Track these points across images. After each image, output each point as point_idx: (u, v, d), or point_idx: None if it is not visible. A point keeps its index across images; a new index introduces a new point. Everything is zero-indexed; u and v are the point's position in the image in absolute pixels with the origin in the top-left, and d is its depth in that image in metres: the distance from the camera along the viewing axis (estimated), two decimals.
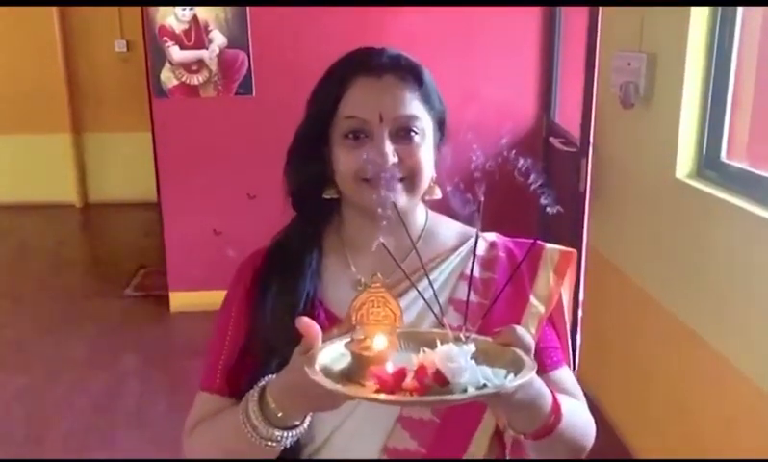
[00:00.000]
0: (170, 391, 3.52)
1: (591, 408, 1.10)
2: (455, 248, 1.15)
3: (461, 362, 0.79)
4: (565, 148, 3.57)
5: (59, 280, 5.16)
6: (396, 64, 1.08)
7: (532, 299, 1.11)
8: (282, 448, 0.94)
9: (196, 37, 4.11)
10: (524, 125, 4.19)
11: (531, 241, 1.08)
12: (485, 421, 1.06)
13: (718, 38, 2.42)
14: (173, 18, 4.07)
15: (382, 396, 0.79)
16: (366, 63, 1.08)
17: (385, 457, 1.05)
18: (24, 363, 3.89)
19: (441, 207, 1.15)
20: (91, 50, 6.89)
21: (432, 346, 0.83)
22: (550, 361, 1.09)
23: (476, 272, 1.10)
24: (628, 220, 3.01)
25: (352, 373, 0.85)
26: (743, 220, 2.17)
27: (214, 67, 4.15)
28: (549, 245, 1.15)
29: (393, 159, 1.04)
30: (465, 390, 0.78)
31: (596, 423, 1.08)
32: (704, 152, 2.52)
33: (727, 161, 2.46)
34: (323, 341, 0.87)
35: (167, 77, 4.16)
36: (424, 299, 0.94)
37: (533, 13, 4.22)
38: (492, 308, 0.95)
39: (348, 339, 0.87)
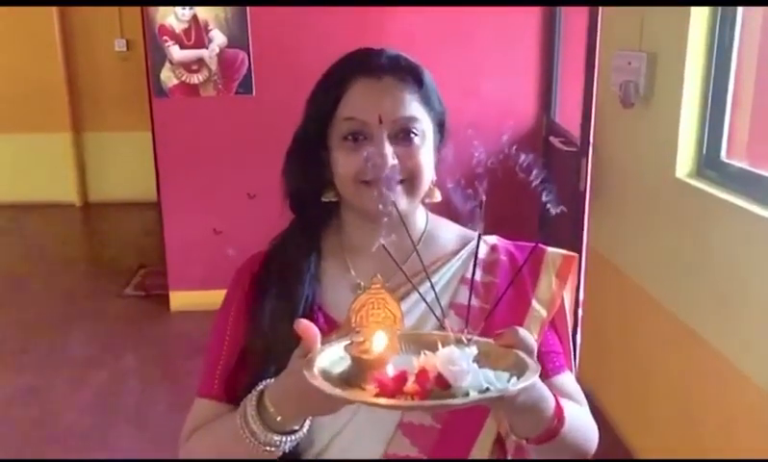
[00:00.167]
0: (170, 390, 3.52)
1: (591, 408, 1.09)
2: (456, 252, 1.13)
3: (463, 365, 0.77)
4: (565, 148, 3.57)
5: (59, 279, 5.16)
6: (395, 65, 1.06)
7: (534, 304, 1.10)
8: (281, 453, 0.92)
9: (196, 36, 4.10)
10: (524, 125, 4.19)
11: (533, 244, 1.07)
12: (487, 427, 1.05)
13: (718, 37, 2.42)
14: (173, 18, 4.07)
15: (382, 400, 0.78)
16: (365, 63, 1.07)
17: None
18: (24, 362, 3.89)
19: (440, 209, 1.14)
20: (91, 49, 6.89)
21: (433, 348, 0.81)
22: (552, 366, 1.08)
23: (478, 276, 1.08)
24: (628, 220, 3.01)
25: (352, 377, 0.83)
26: (743, 220, 2.17)
27: (214, 67, 4.15)
28: (550, 249, 1.14)
29: (392, 161, 1.02)
30: (467, 394, 0.77)
31: (596, 422, 1.06)
32: (704, 151, 2.52)
33: (727, 160, 2.46)
34: (322, 345, 0.86)
35: (167, 76, 4.16)
36: (426, 302, 0.92)
37: (533, 13, 4.22)
38: (493, 312, 0.93)
39: (348, 341, 0.85)
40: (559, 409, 0.90)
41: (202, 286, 4.26)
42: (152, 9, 4.07)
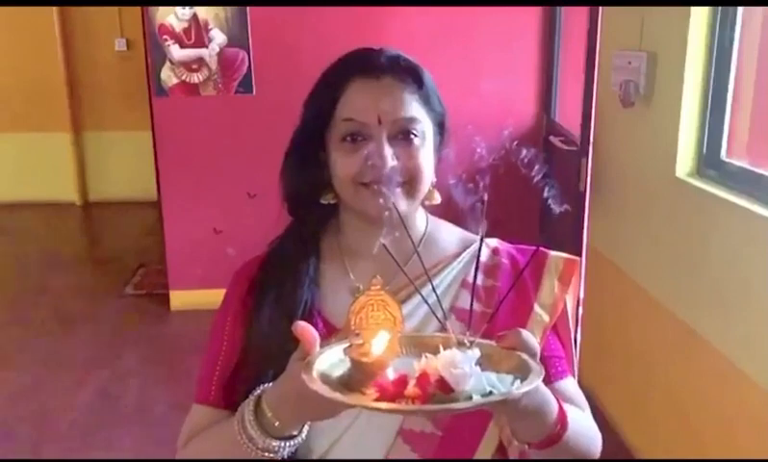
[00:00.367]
0: (170, 389, 3.52)
1: (590, 407, 1.08)
2: (456, 255, 1.12)
3: (465, 368, 0.76)
4: (565, 147, 3.57)
5: (59, 279, 5.16)
6: (394, 65, 1.05)
7: (536, 308, 1.08)
8: (280, 459, 0.91)
9: (196, 35, 4.10)
10: (525, 124, 4.19)
11: (534, 247, 1.05)
12: (489, 433, 1.02)
13: (718, 36, 2.42)
14: (173, 17, 4.07)
15: (382, 404, 0.76)
16: (363, 63, 1.05)
17: None
18: (25, 361, 3.89)
19: (440, 210, 1.13)
20: (92, 49, 6.89)
21: (435, 351, 0.79)
22: (555, 371, 1.06)
23: (479, 280, 1.06)
24: (629, 219, 3.01)
25: (351, 380, 0.81)
26: (743, 219, 2.17)
27: (214, 66, 4.15)
28: (553, 253, 1.12)
29: (392, 162, 1.01)
30: (470, 397, 0.75)
31: (595, 421, 1.05)
32: (705, 151, 2.51)
33: (727, 159, 2.45)
34: (321, 347, 0.84)
35: (168, 76, 4.16)
36: (428, 304, 0.90)
37: (533, 12, 4.22)
38: (495, 316, 0.91)
39: (347, 344, 0.83)
40: (562, 414, 0.88)
41: (202, 285, 4.26)
42: (152, 8, 4.07)
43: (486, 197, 0.83)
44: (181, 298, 4.47)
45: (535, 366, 0.80)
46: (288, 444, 0.90)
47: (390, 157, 1.01)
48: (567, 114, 4.02)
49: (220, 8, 4.08)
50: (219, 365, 1.08)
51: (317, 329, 0.85)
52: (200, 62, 4.14)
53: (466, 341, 0.83)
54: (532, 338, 0.84)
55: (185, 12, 4.07)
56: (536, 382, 0.78)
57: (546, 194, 0.82)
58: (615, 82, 2.85)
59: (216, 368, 1.08)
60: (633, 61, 2.73)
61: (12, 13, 6.48)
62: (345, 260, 1.11)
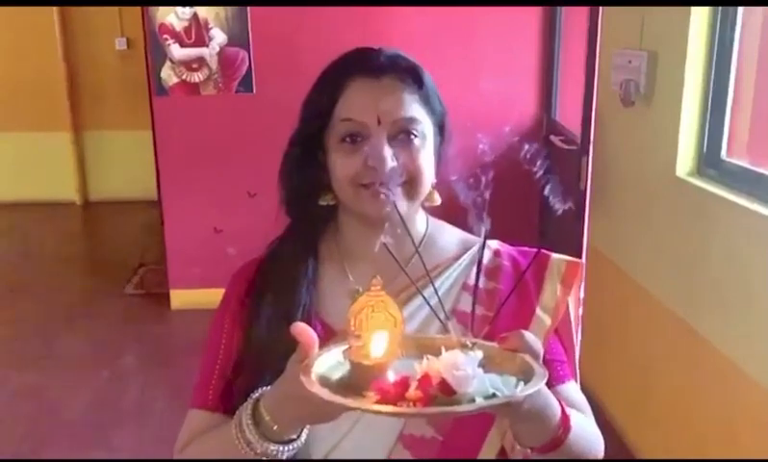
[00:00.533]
0: (171, 388, 3.52)
1: (591, 407, 1.08)
2: (457, 257, 1.10)
3: (468, 370, 0.74)
4: (565, 146, 3.56)
5: (59, 278, 5.16)
6: (394, 65, 1.04)
7: (538, 311, 1.06)
8: None
9: (197, 34, 4.10)
10: (525, 123, 4.19)
11: (536, 250, 1.04)
12: (490, 438, 1.01)
13: (719, 35, 2.42)
14: (174, 16, 4.07)
15: (383, 407, 0.74)
16: (363, 63, 1.04)
17: None
18: (25, 361, 3.89)
19: (439, 211, 1.12)
20: (92, 48, 6.89)
21: (436, 353, 0.78)
22: (556, 375, 1.04)
23: (480, 282, 1.04)
24: (629, 218, 3.01)
25: (351, 383, 0.79)
26: (743, 218, 2.17)
27: (214, 65, 4.15)
28: (555, 255, 1.11)
29: (392, 163, 0.99)
30: (473, 400, 0.73)
31: (596, 421, 1.05)
32: (705, 150, 2.51)
33: (727, 159, 2.45)
34: (320, 350, 0.83)
35: (168, 75, 4.16)
36: (430, 306, 0.89)
37: (533, 11, 4.21)
38: (496, 320, 0.89)
39: (346, 346, 0.82)
40: (565, 417, 0.87)
41: (203, 284, 4.26)
42: (153, 7, 4.07)
43: (487, 196, 0.82)
44: (181, 298, 4.47)
45: (538, 368, 0.79)
46: (286, 448, 0.88)
47: (390, 158, 0.99)
48: (567, 113, 4.02)
49: (221, 7, 4.08)
50: (217, 369, 1.07)
51: (315, 332, 0.84)
52: (200, 61, 4.14)
53: (468, 342, 0.81)
54: (535, 340, 0.83)
55: (185, 11, 4.06)
56: (540, 384, 0.76)
57: (548, 192, 0.81)
58: (615, 81, 2.85)
59: (213, 372, 1.07)
60: (634, 60, 2.73)
61: (12, 13, 6.48)
62: (344, 262, 1.10)
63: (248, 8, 4.07)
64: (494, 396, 0.74)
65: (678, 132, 2.52)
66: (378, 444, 1.00)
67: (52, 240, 6.16)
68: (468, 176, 0.83)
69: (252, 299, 1.07)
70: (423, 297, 0.89)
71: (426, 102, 1.05)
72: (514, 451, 0.93)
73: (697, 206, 2.44)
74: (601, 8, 3.15)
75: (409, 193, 1.03)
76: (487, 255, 1.10)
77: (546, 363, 0.94)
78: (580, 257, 3.31)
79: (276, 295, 1.06)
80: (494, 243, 1.12)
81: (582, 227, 3.34)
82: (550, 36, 4.22)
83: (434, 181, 1.07)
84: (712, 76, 2.46)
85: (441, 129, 1.08)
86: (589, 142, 3.23)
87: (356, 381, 0.79)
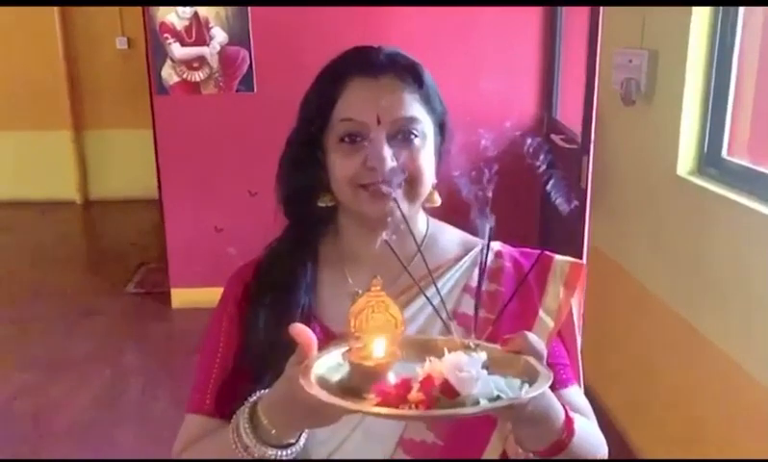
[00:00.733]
0: (172, 387, 3.52)
1: (592, 406, 1.07)
2: (458, 258, 1.08)
3: (472, 372, 0.72)
4: (566, 145, 3.56)
5: (60, 277, 5.16)
6: (393, 64, 1.02)
7: (541, 314, 1.05)
8: None
9: (197, 33, 4.10)
10: (525, 122, 4.19)
11: (539, 251, 1.02)
12: (492, 442, 0.99)
13: (719, 34, 2.42)
14: (174, 15, 4.07)
15: (384, 409, 0.72)
16: (362, 62, 1.02)
17: None
18: (26, 360, 3.89)
19: (439, 211, 1.11)
20: (92, 47, 6.89)
21: (438, 355, 0.75)
22: (559, 378, 1.02)
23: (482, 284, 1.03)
24: (630, 217, 3.00)
25: (351, 385, 0.77)
26: (744, 217, 2.16)
27: (215, 64, 4.15)
28: (558, 257, 1.09)
29: (391, 163, 0.97)
30: (477, 402, 0.71)
31: (597, 420, 1.04)
32: (706, 149, 2.51)
33: (728, 158, 2.45)
34: (319, 351, 0.81)
35: (168, 74, 4.16)
36: (433, 306, 0.87)
37: (534, 10, 4.21)
38: (498, 322, 0.87)
39: (346, 347, 0.80)
40: (569, 420, 0.85)
41: (203, 283, 4.26)
42: (153, 6, 4.07)
43: (489, 196, 0.80)
44: (182, 296, 4.47)
45: (543, 369, 0.77)
46: (285, 452, 0.86)
47: (389, 158, 0.98)
48: (568, 112, 4.02)
49: (221, 6, 4.08)
50: (214, 373, 1.05)
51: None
52: (201, 60, 4.14)
53: (471, 344, 0.80)
54: (539, 341, 0.82)
55: (186, 10, 4.06)
56: (545, 386, 0.75)
57: (550, 187, 0.79)
58: (616, 80, 2.85)
59: (210, 376, 1.05)
60: (634, 59, 2.73)
61: (13, 12, 6.48)
62: (343, 264, 1.08)
63: (249, 7, 4.07)
64: (498, 398, 0.72)
65: (679, 131, 2.52)
66: (378, 449, 0.98)
67: (53, 239, 6.17)
68: (468, 176, 0.82)
69: (250, 302, 1.05)
70: (426, 297, 0.88)
71: (427, 101, 1.03)
72: (517, 454, 0.91)
73: (697, 205, 2.44)
74: (601, 7, 3.15)
75: (409, 194, 1.01)
76: (489, 257, 1.07)
77: (548, 366, 0.92)
78: (581, 256, 3.32)
79: (274, 297, 1.04)
80: (495, 245, 1.10)
81: (583, 226, 3.34)
82: (550, 34, 4.22)
83: (435, 181, 1.05)
84: (713, 75, 2.46)
85: (441, 128, 1.06)
86: (590, 141, 3.24)
87: (356, 383, 0.77)
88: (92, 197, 7.26)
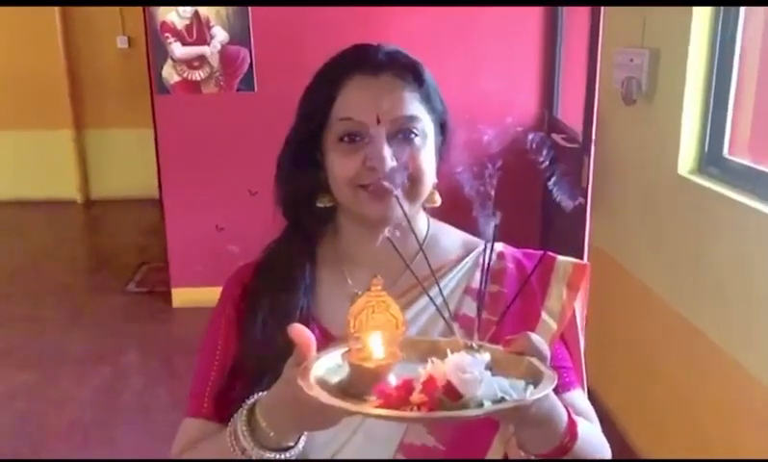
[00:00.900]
0: (172, 386, 3.52)
1: (593, 404, 1.05)
2: (459, 259, 1.07)
3: (475, 373, 0.70)
4: (567, 145, 3.56)
5: (61, 276, 5.16)
6: (393, 62, 1.00)
7: (544, 315, 1.03)
8: None
9: (198, 33, 4.10)
10: (526, 121, 4.19)
11: (541, 252, 1.00)
12: (494, 447, 0.97)
13: (720, 33, 2.42)
14: (175, 14, 4.07)
15: (385, 411, 0.70)
16: (361, 60, 1.00)
17: None
18: (27, 359, 3.89)
19: (440, 213, 1.09)
20: (93, 46, 6.89)
21: (441, 355, 0.74)
22: (562, 382, 0.99)
23: (484, 286, 1.00)
24: (630, 217, 3.00)
25: (351, 387, 0.75)
26: (745, 216, 2.16)
27: (215, 63, 4.15)
28: (561, 257, 1.07)
29: (391, 163, 0.95)
30: (481, 404, 0.69)
31: (598, 419, 1.02)
32: (707, 148, 2.51)
33: (729, 157, 2.45)
34: (318, 352, 0.79)
35: (169, 73, 4.16)
36: (436, 306, 0.85)
37: (535, 9, 4.21)
38: (501, 324, 0.85)
39: (346, 348, 0.78)
40: (572, 424, 0.83)
41: (204, 282, 4.26)
42: (154, 6, 4.07)
43: (491, 196, 0.78)
44: (183, 296, 4.47)
45: (547, 371, 0.76)
46: (283, 456, 0.84)
47: (389, 158, 0.96)
48: (569, 111, 4.02)
49: (222, 6, 4.08)
50: (213, 375, 1.03)
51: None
52: (202, 59, 4.14)
53: (474, 345, 0.78)
54: (542, 342, 0.80)
55: (186, 9, 4.06)
56: (550, 387, 0.73)
57: (554, 184, 0.77)
58: (617, 79, 2.85)
59: (209, 379, 1.03)
60: (635, 58, 2.73)
61: (13, 11, 6.48)
62: (342, 266, 1.07)
63: (249, 6, 4.07)
64: (502, 400, 0.70)
65: (680, 130, 2.51)
66: (378, 454, 0.96)
67: (54, 238, 6.17)
68: (469, 175, 0.80)
69: (248, 304, 1.04)
70: (429, 297, 0.86)
71: (427, 100, 1.01)
72: (519, 458, 0.89)
73: (698, 204, 2.43)
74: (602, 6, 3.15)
75: (410, 194, 0.98)
76: (488, 260, 1.07)
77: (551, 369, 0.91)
78: (582, 255, 3.32)
79: (273, 299, 1.02)
80: (498, 246, 1.07)
81: (584, 225, 3.34)
82: (551, 33, 4.22)
83: (435, 181, 1.04)
84: (714, 74, 2.45)
85: (442, 128, 1.05)
86: (591, 141, 3.24)
87: (356, 385, 0.76)
88: (93, 197, 7.26)
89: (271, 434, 0.83)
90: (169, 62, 4.13)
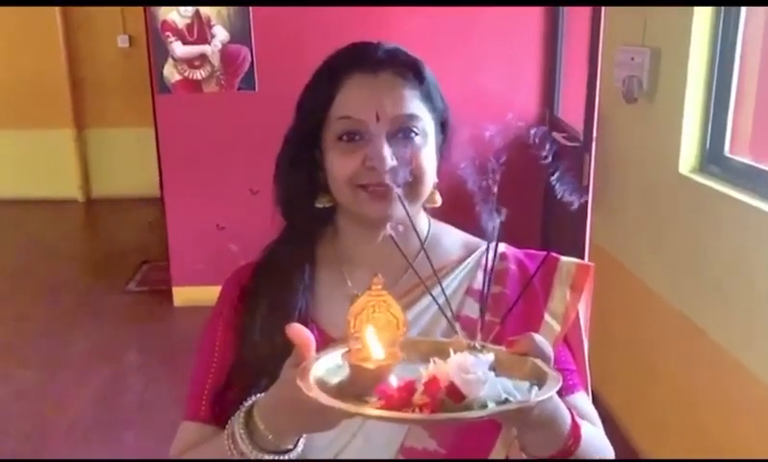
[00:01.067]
0: (173, 385, 3.52)
1: (594, 404, 1.05)
2: (461, 260, 1.05)
3: (479, 373, 0.69)
4: (568, 143, 3.56)
5: (62, 275, 5.16)
6: (393, 60, 0.99)
7: (547, 317, 1.01)
8: None
9: (199, 32, 4.10)
10: (527, 120, 4.19)
11: (544, 253, 0.99)
12: (496, 450, 0.95)
13: (721, 32, 2.41)
14: (176, 13, 4.07)
15: (386, 412, 0.69)
16: (360, 58, 0.99)
17: None
18: (28, 358, 3.90)
19: (440, 213, 1.08)
20: (94, 45, 6.89)
21: (443, 355, 0.72)
22: (565, 385, 0.95)
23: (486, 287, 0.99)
24: (631, 215, 3.00)
25: (351, 388, 0.74)
26: (746, 215, 2.16)
27: (216, 63, 4.15)
28: (564, 258, 1.06)
29: (391, 162, 0.94)
30: (485, 405, 0.68)
31: (601, 423, 1.01)
32: (708, 147, 2.51)
33: (730, 155, 2.45)
34: (317, 353, 0.77)
35: (170, 72, 4.16)
36: (438, 305, 0.83)
37: (535, 8, 4.21)
38: (503, 326, 0.83)
39: (346, 348, 0.76)
40: (576, 426, 0.82)
41: (205, 281, 4.26)
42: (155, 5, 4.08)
43: (493, 196, 0.76)
44: (184, 295, 4.48)
45: (551, 372, 0.74)
46: (282, 458, 0.83)
47: (389, 157, 0.94)
48: (570, 110, 4.01)
49: (223, 6, 4.08)
50: (210, 378, 1.01)
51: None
52: (203, 58, 4.14)
53: (477, 345, 0.77)
54: (546, 343, 0.79)
55: (187, 8, 4.06)
56: (554, 389, 0.72)
57: (557, 180, 0.76)
58: (618, 78, 2.85)
59: (206, 382, 1.01)
60: (636, 56, 2.73)
61: (14, 11, 6.48)
62: (342, 267, 1.05)
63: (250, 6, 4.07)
64: (506, 401, 0.69)
65: (681, 129, 2.51)
66: (378, 457, 0.95)
67: (55, 237, 6.17)
68: (471, 174, 0.79)
69: (246, 305, 1.03)
70: (432, 296, 0.84)
71: (427, 98, 1.00)
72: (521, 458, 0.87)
73: (699, 203, 2.43)
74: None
75: (410, 194, 0.96)
76: (491, 259, 1.05)
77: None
78: (583, 254, 3.32)
79: (271, 300, 1.01)
80: (500, 246, 1.04)
81: (584, 224, 3.34)
82: (552, 32, 4.21)
83: (436, 181, 1.02)
84: (715, 72, 2.45)
85: (443, 126, 1.03)
86: (591, 139, 3.24)
87: (356, 386, 0.74)
88: (94, 196, 7.27)
89: (270, 437, 0.81)
90: (170, 61, 4.13)
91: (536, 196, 4.15)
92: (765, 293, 2.07)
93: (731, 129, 2.45)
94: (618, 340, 3.16)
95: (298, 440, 0.84)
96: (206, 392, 1.01)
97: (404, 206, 0.85)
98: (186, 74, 4.16)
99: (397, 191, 0.86)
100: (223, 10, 4.08)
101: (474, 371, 0.69)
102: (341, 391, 0.74)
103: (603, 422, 1.02)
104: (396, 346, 0.75)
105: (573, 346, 1.06)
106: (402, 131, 0.97)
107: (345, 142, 0.97)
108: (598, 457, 0.91)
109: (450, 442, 0.94)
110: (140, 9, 4.66)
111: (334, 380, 0.76)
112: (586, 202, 3.30)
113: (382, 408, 0.70)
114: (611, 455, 0.97)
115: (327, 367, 0.77)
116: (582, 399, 1.02)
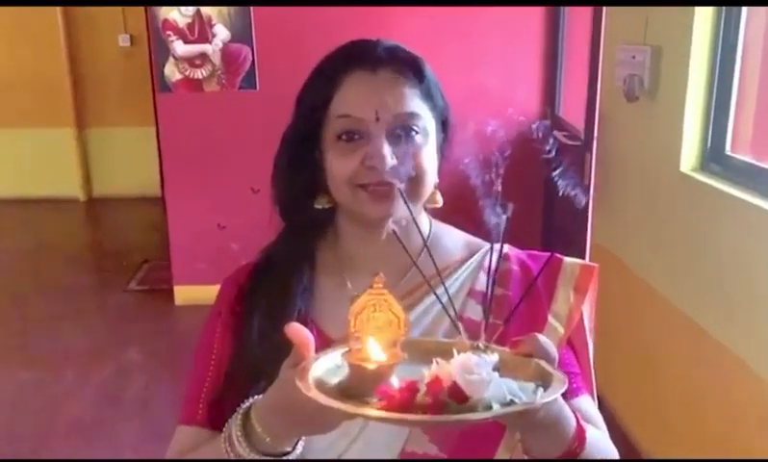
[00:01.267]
0: (174, 384, 3.52)
1: (597, 404, 1.03)
2: (463, 261, 1.03)
3: (482, 374, 0.67)
4: (569, 142, 3.56)
5: (63, 274, 5.17)
6: (393, 57, 0.96)
7: (550, 319, 0.99)
8: None
9: (200, 31, 4.10)
10: (528, 119, 4.18)
11: (548, 253, 0.96)
12: (499, 455, 0.93)
13: (723, 30, 2.41)
14: (177, 13, 4.07)
15: (388, 414, 0.67)
16: (359, 56, 0.97)
17: None
18: (29, 357, 3.90)
19: (440, 213, 1.07)
20: (95, 45, 6.90)
21: (446, 356, 0.70)
22: (569, 388, 0.91)
23: (489, 289, 0.96)
24: (633, 214, 3.00)
25: (351, 389, 0.72)
26: (748, 214, 2.16)
27: (217, 62, 4.15)
28: (567, 259, 1.04)
29: (391, 161, 0.92)
30: (489, 407, 0.66)
31: (605, 427, 0.99)
32: (709, 145, 2.51)
33: (731, 154, 2.45)
34: (316, 353, 0.76)
35: (171, 71, 4.16)
36: (442, 304, 0.80)
37: (536, 7, 4.21)
38: (506, 328, 0.80)
39: (346, 348, 0.74)
40: (580, 429, 0.80)
41: (206, 280, 4.25)
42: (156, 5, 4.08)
43: (495, 195, 0.75)
44: (185, 293, 4.48)
45: (556, 373, 0.73)
46: (280, 460, 0.81)
47: (389, 156, 0.92)
48: (571, 109, 4.01)
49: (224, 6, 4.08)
50: (207, 381, 1.00)
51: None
52: (204, 57, 4.14)
53: (480, 345, 0.75)
54: (551, 344, 0.77)
55: (188, 7, 4.07)
56: (560, 391, 0.70)
57: (559, 176, 0.74)
58: (619, 76, 2.84)
59: (203, 385, 1.00)
60: (637, 55, 2.72)
61: (15, 11, 6.49)
62: (341, 267, 1.03)
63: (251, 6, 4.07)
64: (511, 402, 0.67)
65: (683, 127, 2.51)
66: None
67: (56, 236, 6.18)
68: (473, 173, 0.77)
69: (244, 306, 1.01)
70: (435, 295, 0.82)
71: (428, 96, 0.98)
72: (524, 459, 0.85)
73: (701, 201, 2.43)
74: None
75: (411, 194, 0.93)
76: (495, 259, 1.02)
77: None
78: (584, 253, 3.32)
79: (270, 302, 0.99)
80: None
81: (586, 223, 3.34)
82: (553, 31, 4.21)
83: (437, 181, 1.00)
84: (716, 71, 2.45)
85: (443, 125, 1.01)
86: (593, 138, 3.24)
87: (357, 387, 0.72)
88: (96, 195, 7.28)
89: (267, 439, 0.79)
90: (171, 60, 4.13)
91: (537, 195, 4.15)
92: (767, 291, 2.06)
93: (733, 127, 2.45)
94: (619, 338, 3.16)
95: (297, 443, 0.83)
96: (203, 395, 0.99)
97: (406, 202, 0.83)
98: (187, 73, 4.16)
99: (400, 186, 0.84)
100: (224, 9, 4.08)
101: (478, 371, 0.67)
102: (341, 391, 0.72)
103: (605, 421, 1.01)
104: (397, 345, 0.73)
105: (577, 348, 1.04)
106: (403, 129, 0.95)
107: (344, 142, 0.95)
108: (602, 459, 0.89)
109: (452, 447, 0.92)
110: (142, 8, 4.66)
111: (334, 381, 0.74)
112: (587, 201, 3.30)
113: (383, 409, 0.68)
114: (615, 456, 0.94)
115: (327, 367, 0.75)
116: (587, 403, 1.00)
